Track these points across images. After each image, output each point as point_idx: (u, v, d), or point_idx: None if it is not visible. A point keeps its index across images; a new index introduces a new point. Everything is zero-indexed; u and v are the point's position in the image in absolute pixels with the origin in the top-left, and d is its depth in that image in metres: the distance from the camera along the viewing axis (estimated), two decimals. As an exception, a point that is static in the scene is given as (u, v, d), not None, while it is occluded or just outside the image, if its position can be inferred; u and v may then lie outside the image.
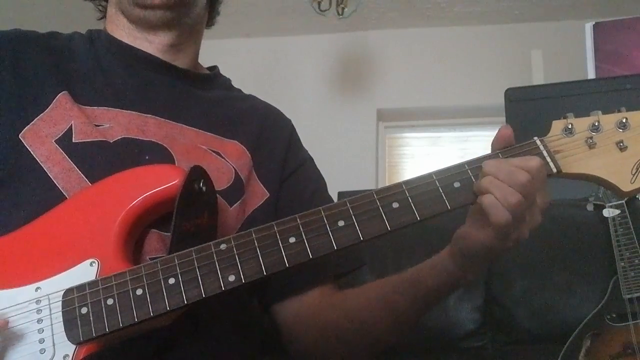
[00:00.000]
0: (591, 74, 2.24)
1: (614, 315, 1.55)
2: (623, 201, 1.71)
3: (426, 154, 4.07)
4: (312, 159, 1.08)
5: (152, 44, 0.95)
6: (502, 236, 0.72)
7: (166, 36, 0.95)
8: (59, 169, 0.82)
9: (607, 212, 1.72)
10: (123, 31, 0.96)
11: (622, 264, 1.62)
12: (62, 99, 0.87)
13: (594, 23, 2.28)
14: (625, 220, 1.69)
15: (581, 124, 0.75)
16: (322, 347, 0.93)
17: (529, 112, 2.00)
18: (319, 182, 1.06)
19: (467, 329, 1.86)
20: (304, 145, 1.09)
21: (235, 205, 0.90)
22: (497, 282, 1.90)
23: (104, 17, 1.03)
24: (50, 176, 0.82)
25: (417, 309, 0.85)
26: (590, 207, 1.77)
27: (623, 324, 1.52)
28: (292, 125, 1.08)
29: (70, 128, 0.85)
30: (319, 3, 3.12)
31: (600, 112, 0.75)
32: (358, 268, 0.99)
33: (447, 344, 1.85)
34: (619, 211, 1.71)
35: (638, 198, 1.73)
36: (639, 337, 1.45)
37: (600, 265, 1.77)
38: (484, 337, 1.87)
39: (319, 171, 1.07)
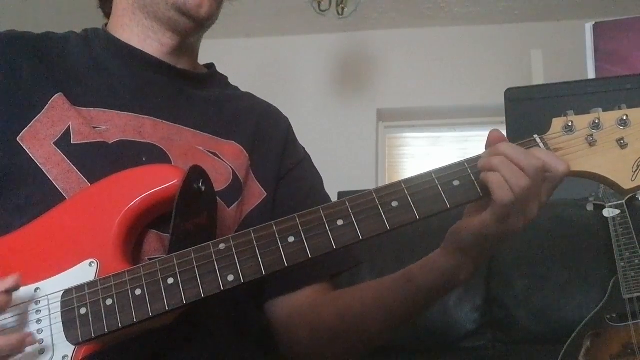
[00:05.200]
0: (591, 74, 2.24)
1: (614, 315, 1.55)
2: (623, 201, 1.71)
3: (426, 154, 4.07)
4: (309, 157, 1.08)
5: (163, 46, 0.96)
6: (500, 218, 0.70)
7: (175, 40, 0.96)
8: (59, 170, 0.82)
9: (607, 212, 1.72)
10: (136, 29, 0.96)
11: (622, 264, 1.62)
12: (58, 100, 0.87)
13: (594, 23, 2.28)
14: (625, 220, 1.68)
15: (581, 122, 0.75)
16: (314, 346, 0.93)
17: (529, 112, 2.00)
18: (316, 180, 1.06)
19: (467, 329, 1.85)
20: (304, 145, 1.09)
21: (233, 205, 0.90)
22: (497, 282, 1.90)
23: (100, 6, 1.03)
24: (50, 178, 0.82)
25: (410, 309, 0.84)
26: (590, 207, 1.76)
27: (623, 324, 1.51)
28: (289, 123, 1.08)
29: (68, 129, 0.85)
30: (319, 3, 3.12)
31: (600, 109, 0.74)
32: (354, 267, 0.99)
33: (447, 344, 1.85)
34: (619, 211, 1.70)
35: (638, 198, 1.73)
36: (639, 337, 1.45)
37: (600, 265, 1.77)
38: (484, 337, 1.87)
39: (315, 169, 1.08)
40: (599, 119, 0.74)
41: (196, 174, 0.78)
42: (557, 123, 0.75)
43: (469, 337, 1.86)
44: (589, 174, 0.74)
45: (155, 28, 0.95)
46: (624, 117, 0.74)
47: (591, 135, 0.74)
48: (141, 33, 0.96)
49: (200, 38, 1.02)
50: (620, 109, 0.75)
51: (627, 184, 0.72)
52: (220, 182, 0.89)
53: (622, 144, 0.73)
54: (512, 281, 1.87)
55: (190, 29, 0.95)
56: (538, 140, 0.75)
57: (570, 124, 0.75)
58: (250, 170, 0.95)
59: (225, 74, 1.09)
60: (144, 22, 0.95)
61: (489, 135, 0.75)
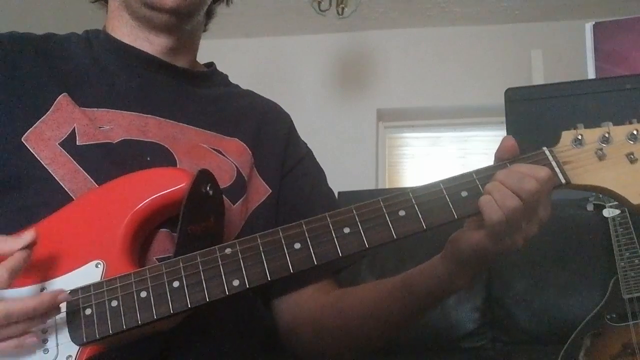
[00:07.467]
0: (591, 74, 2.24)
1: (614, 315, 1.55)
2: (623, 202, 1.71)
3: (426, 154, 4.07)
4: (311, 152, 1.08)
5: (153, 45, 0.96)
6: (494, 237, 0.71)
7: (167, 39, 0.96)
8: (65, 171, 0.83)
9: (607, 212, 1.73)
10: (125, 29, 0.96)
11: (622, 264, 1.63)
12: (63, 101, 0.87)
13: (594, 23, 2.28)
14: (625, 220, 1.69)
15: (591, 135, 0.75)
16: (318, 345, 0.94)
17: (529, 112, 2.00)
18: (319, 176, 1.06)
19: (467, 329, 1.86)
20: (304, 145, 1.10)
21: (238, 203, 0.90)
22: (497, 282, 1.90)
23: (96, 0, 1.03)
24: (57, 178, 0.82)
25: (408, 313, 0.85)
26: (590, 207, 1.77)
27: (623, 324, 1.52)
28: (291, 120, 1.08)
29: (74, 131, 0.85)
30: (319, 3, 3.12)
31: (611, 123, 0.74)
32: (356, 262, 1.00)
33: (447, 344, 1.86)
34: (619, 211, 1.71)
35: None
36: (639, 337, 1.45)
37: (600, 265, 1.77)
38: (484, 337, 1.87)
39: (318, 164, 1.08)
40: (609, 133, 0.74)
41: (204, 177, 0.78)
42: (567, 136, 0.75)
43: (469, 337, 1.86)
44: (597, 188, 0.74)
45: (141, 27, 0.95)
46: (635, 132, 0.73)
47: (601, 149, 0.74)
48: (130, 33, 0.96)
49: (195, 35, 1.01)
50: (630, 123, 0.74)
51: (636, 199, 0.72)
52: (224, 180, 0.90)
53: (632, 158, 0.73)
54: (512, 281, 1.88)
55: (168, 23, 0.93)
56: (547, 153, 0.75)
57: (579, 137, 0.74)
58: (254, 167, 0.96)
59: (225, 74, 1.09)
60: (131, 23, 0.96)
61: (501, 142, 0.75)
